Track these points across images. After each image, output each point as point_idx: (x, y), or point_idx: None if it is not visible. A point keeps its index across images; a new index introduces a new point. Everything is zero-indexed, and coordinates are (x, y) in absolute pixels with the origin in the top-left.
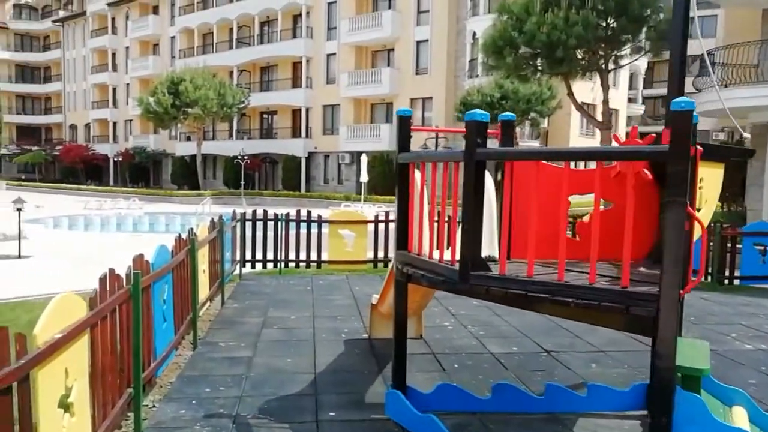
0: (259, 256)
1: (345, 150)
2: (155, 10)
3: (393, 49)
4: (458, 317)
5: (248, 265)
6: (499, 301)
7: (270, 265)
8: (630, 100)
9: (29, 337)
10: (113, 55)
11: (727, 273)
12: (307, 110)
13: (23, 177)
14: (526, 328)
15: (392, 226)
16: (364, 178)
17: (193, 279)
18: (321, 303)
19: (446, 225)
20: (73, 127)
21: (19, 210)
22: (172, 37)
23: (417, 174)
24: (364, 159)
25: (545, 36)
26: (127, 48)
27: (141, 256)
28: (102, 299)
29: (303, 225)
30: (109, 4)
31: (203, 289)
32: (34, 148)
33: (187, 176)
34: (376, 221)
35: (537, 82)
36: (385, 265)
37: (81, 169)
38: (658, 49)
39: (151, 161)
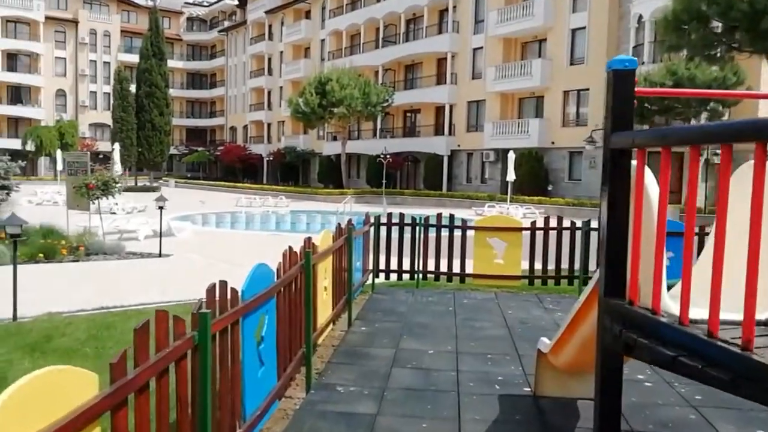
0: (393, 265)
1: (490, 147)
2: (307, 14)
3: (545, 39)
4: (656, 368)
5: (381, 275)
6: None
7: (406, 277)
8: None
9: None
10: (269, 60)
11: None
12: (451, 107)
13: (189, 175)
14: None
15: (553, 234)
16: (511, 177)
17: (308, 303)
18: (466, 331)
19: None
20: (233, 129)
21: (160, 208)
22: (322, 40)
23: (649, 175)
24: (511, 156)
25: (747, 4)
26: (281, 53)
27: (222, 284)
28: (140, 361)
29: (444, 231)
30: (266, 12)
31: (324, 311)
32: (200, 148)
33: (333, 175)
34: (534, 228)
35: (721, 66)
36: (544, 283)
37: (238, 168)
38: None
39: (300, 160)
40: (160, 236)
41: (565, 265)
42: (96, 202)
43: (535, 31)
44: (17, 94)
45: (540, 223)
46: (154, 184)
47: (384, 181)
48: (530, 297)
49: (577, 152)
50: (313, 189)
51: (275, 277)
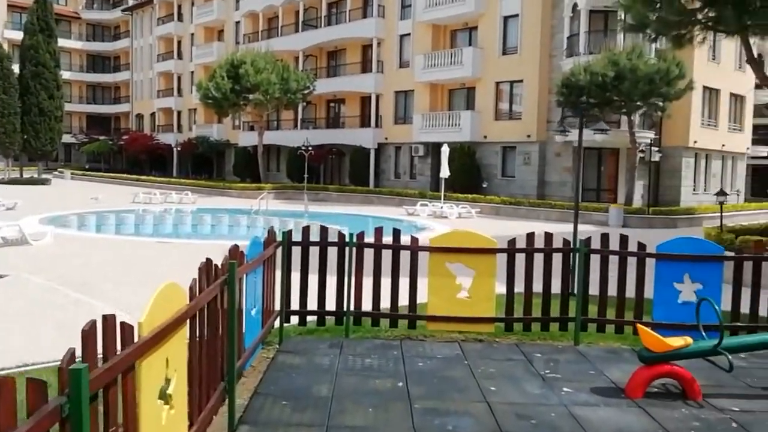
0: (312, 303)
1: (419, 141)
2: None
3: (476, 27)
4: None
5: (294, 318)
6: None
7: (331, 319)
8: (759, 86)
9: None
10: (179, 42)
11: None
12: (378, 97)
13: (88, 167)
14: None
15: (539, 256)
16: (446, 173)
17: None
18: None
19: None
20: (139, 117)
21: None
22: (237, 23)
23: None
24: (445, 150)
25: None
26: (192, 35)
27: None
28: None
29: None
30: None
31: None
32: (102, 137)
33: (249, 168)
34: (513, 249)
35: (664, 56)
36: (526, 327)
37: (145, 160)
38: None
39: (214, 152)
40: None
41: (554, 298)
42: None
43: (466, 17)
44: None
45: (520, 242)
46: (44, 176)
47: (306, 176)
48: (512, 352)
49: (510, 147)
50: (227, 183)
51: None
